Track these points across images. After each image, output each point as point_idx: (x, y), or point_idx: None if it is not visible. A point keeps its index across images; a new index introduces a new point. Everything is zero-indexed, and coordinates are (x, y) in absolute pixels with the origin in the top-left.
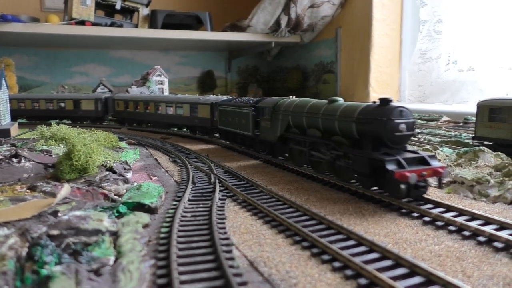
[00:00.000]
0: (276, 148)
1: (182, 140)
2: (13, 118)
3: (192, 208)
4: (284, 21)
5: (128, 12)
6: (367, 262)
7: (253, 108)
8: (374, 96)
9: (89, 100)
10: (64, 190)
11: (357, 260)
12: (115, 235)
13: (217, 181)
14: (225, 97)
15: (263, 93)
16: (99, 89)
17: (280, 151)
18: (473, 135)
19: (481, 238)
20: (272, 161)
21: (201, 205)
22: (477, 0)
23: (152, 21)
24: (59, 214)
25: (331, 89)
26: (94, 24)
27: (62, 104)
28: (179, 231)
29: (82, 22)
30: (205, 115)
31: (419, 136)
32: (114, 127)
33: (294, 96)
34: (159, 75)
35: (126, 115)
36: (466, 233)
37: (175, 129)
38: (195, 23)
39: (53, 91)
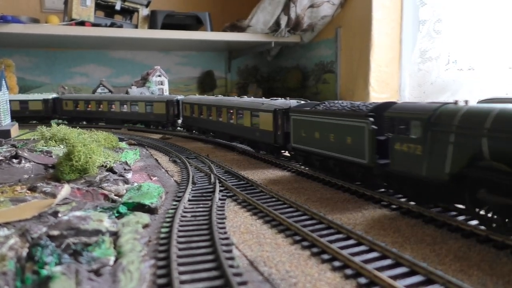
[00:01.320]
0: (432, 192)
1: (182, 140)
2: (88, 120)
3: (192, 208)
4: (284, 21)
5: (128, 12)
6: (367, 261)
7: (371, 119)
8: (374, 96)
9: (160, 103)
10: (64, 190)
11: (357, 259)
12: (115, 235)
13: (217, 181)
14: (299, 100)
15: (263, 93)
16: (99, 90)
17: (444, 197)
18: None
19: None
20: (273, 161)
21: (201, 205)
22: (477, 0)
23: (152, 22)
24: (59, 215)
25: (331, 88)
26: (94, 25)
27: (136, 107)
28: (179, 231)
29: (82, 23)
30: (267, 127)
31: None
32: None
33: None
34: (159, 76)
35: (192, 122)
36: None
37: (238, 143)
38: (195, 23)
39: (52, 91)
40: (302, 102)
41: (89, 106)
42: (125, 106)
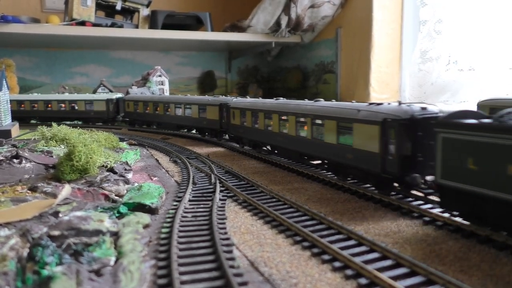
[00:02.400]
0: None
1: (183, 140)
2: (147, 124)
3: (193, 208)
4: (284, 21)
5: (128, 12)
6: (368, 262)
7: None
8: (375, 96)
9: (213, 106)
10: (65, 190)
11: (357, 260)
12: (115, 235)
13: (217, 181)
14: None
15: (263, 93)
16: (99, 90)
17: None
18: None
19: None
20: (273, 162)
21: (202, 206)
22: (477, 1)
23: (152, 22)
24: (60, 215)
25: (331, 89)
26: (94, 25)
27: (189, 111)
28: (180, 231)
29: (82, 23)
30: (368, 146)
31: None
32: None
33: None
34: (160, 76)
35: (244, 132)
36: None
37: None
38: (195, 24)
39: (53, 91)
40: (431, 106)
41: (148, 108)
42: (179, 109)
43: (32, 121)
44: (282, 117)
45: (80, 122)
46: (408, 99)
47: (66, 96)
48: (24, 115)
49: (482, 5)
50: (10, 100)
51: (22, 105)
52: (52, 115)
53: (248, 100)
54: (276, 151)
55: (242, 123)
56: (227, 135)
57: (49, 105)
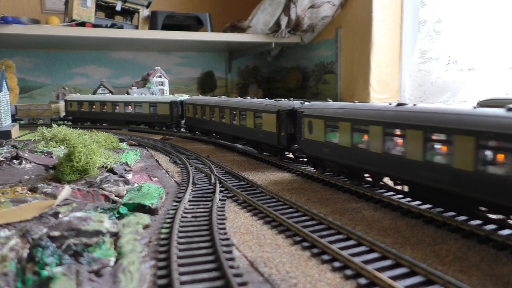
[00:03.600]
0: None
1: (183, 141)
2: (206, 133)
3: (193, 209)
4: (284, 21)
5: (128, 13)
6: (367, 262)
7: None
8: (375, 96)
9: (270, 114)
10: (65, 191)
11: (357, 260)
12: (115, 236)
13: (217, 181)
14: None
15: (263, 94)
16: (99, 91)
17: None
18: None
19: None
20: (272, 162)
21: (202, 206)
22: (477, 1)
23: (152, 22)
24: (60, 216)
25: (331, 89)
26: (94, 26)
27: (244, 118)
28: (180, 231)
29: (82, 24)
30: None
31: None
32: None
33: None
34: (160, 76)
35: (326, 153)
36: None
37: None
38: (195, 24)
39: (53, 92)
40: None
41: (205, 114)
42: (234, 115)
43: (104, 125)
44: (391, 134)
45: (145, 127)
46: (408, 99)
47: (132, 97)
48: (94, 117)
49: (482, 5)
50: (81, 101)
51: (94, 107)
52: (119, 118)
53: (331, 105)
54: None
55: (328, 139)
56: (290, 154)
57: (117, 107)
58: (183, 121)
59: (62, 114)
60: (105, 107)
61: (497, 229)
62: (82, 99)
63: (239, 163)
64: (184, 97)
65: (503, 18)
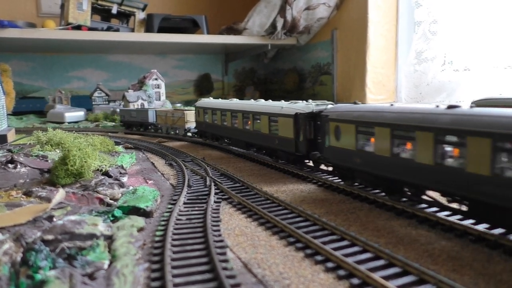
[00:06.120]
0: None
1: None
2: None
3: (187, 211)
4: (280, 23)
5: (124, 16)
6: (360, 262)
7: None
8: (371, 97)
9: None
10: (59, 195)
11: (350, 260)
12: (110, 239)
13: (212, 184)
14: None
15: (260, 96)
16: (96, 94)
17: None
18: None
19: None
20: (268, 163)
21: (196, 208)
22: (472, 1)
23: (148, 25)
24: (54, 219)
25: (328, 90)
26: (90, 29)
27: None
28: (174, 234)
29: (78, 27)
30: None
31: None
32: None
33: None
34: (156, 79)
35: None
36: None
37: None
38: (191, 27)
39: (50, 96)
40: None
41: (215, 118)
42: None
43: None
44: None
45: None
46: (404, 100)
47: (253, 104)
48: (217, 132)
49: (477, 5)
50: (207, 108)
51: (216, 117)
52: (237, 137)
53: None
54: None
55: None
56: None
57: (236, 121)
58: (317, 153)
59: (191, 125)
60: (225, 118)
61: (489, 228)
62: (208, 106)
63: (252, 172)
64: (320, 105)
65: (498, 18)
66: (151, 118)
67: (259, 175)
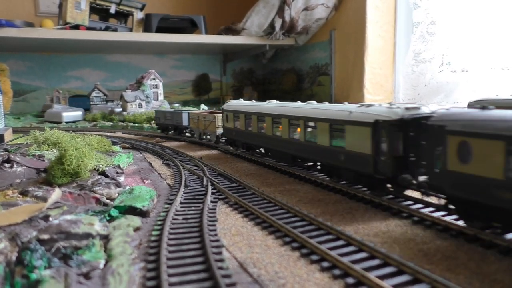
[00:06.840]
0: None
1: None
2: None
3: (184, 211)
4: (278, 24)
5: (122, 16)
6: (355, 261)
7: None
8: (369, 98)
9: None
10: (55, 194)
11: (345, 259)
12: (106, 238)
13: (209, 183)
14: None
15: (258, 96)
16: (93, 94)
17: None
18: None
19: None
20: (265, 163)
21: (193, 208)
22: (469, 2)
23: (146, 25)
24: (50, 219)
25: (326, 91)
26: (88, 29)
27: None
28: (170, 233)
29: (76, 27)
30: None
31: None
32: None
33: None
34: (154, 79)
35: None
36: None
37: None
38: (190, 27)
39: (47, 96)
40: None
41: (250, 125)
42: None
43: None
44: None
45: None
46: (402, 100)
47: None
48: (251, 141)
49: (475, 7)
50: (238, 111)
51: (250, 123)
52: (280, 148)
53: None
54: None
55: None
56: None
57: (279, 127)
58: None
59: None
60: (264, 125)
61: (483, 228)
62: (240, 109)
63: (249, 172)
64: (411, 110)
65: (495, 20)
66: (185, 121)
67: (256, 175)
